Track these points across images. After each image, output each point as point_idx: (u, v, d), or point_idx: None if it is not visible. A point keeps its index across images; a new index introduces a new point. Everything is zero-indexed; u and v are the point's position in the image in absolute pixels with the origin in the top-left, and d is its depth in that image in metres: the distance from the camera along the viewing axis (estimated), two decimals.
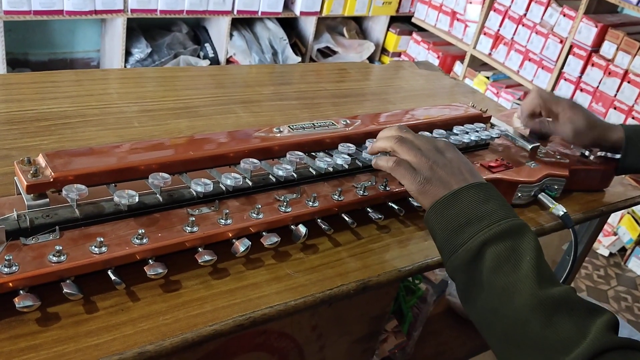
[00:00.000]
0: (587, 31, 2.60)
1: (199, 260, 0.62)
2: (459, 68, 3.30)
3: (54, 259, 0.55)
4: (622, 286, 2.50)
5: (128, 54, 2.82)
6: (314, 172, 0.76)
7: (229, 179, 0.67)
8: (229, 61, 3.09)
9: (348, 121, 0.83)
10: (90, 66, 2.96)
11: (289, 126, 0.78)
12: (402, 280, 0.83)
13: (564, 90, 2.72)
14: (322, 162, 0.75)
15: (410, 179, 0.68)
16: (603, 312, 0.57)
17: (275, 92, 1.14)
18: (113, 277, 0.57)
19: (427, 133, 0.87)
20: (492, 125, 1.02)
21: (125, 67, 2.78)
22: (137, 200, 0.61)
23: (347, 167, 0.78)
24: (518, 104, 1.23)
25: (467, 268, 0.61)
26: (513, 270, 0.59)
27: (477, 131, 0.94)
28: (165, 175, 0.64)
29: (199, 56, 3.06)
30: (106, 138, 0.86)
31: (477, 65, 3.20)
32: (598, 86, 2.60)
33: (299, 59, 3.23)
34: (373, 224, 0.78)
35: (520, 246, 0.61)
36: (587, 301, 0.59)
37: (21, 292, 0.53)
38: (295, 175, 0.74)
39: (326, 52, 3.44)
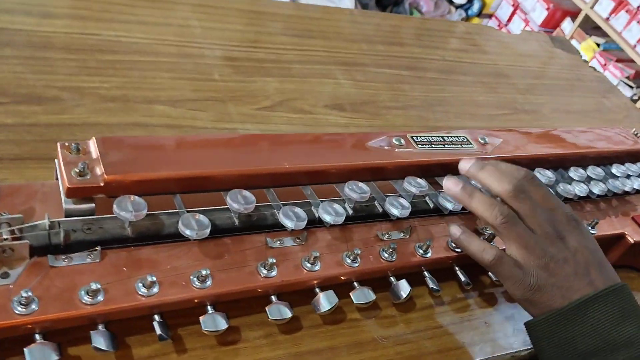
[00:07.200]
0: None
1: (269, 316, 0.47)
2: (567, 25, 2.94)
3: (88, 299, 0.40)
4: None
5: None
6: (431, 206, 0.58)
7: (328, 215, 0.50)
8: None
9: (486, 139, 0.63)
10: None
11: (411, 137, 0.59)
12: None
13: None
14: (447, 200, 0.57)
15: (516, 283, 0.50)
16: None
17: (383, 54, 0.94)
18: (159, 332, 0.43)
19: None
20: None
21: None
22: (207, 233, 0.45)
23: None
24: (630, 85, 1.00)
25: None
26: None
27: None
28: (250, 197, 0.48)
29: None
30: (179, 90, 0.69)
31: (589, 27, 2.84)
32: None
33: None
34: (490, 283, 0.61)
35: None
36: None
37: (37, 337, 0.40)
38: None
39: None
